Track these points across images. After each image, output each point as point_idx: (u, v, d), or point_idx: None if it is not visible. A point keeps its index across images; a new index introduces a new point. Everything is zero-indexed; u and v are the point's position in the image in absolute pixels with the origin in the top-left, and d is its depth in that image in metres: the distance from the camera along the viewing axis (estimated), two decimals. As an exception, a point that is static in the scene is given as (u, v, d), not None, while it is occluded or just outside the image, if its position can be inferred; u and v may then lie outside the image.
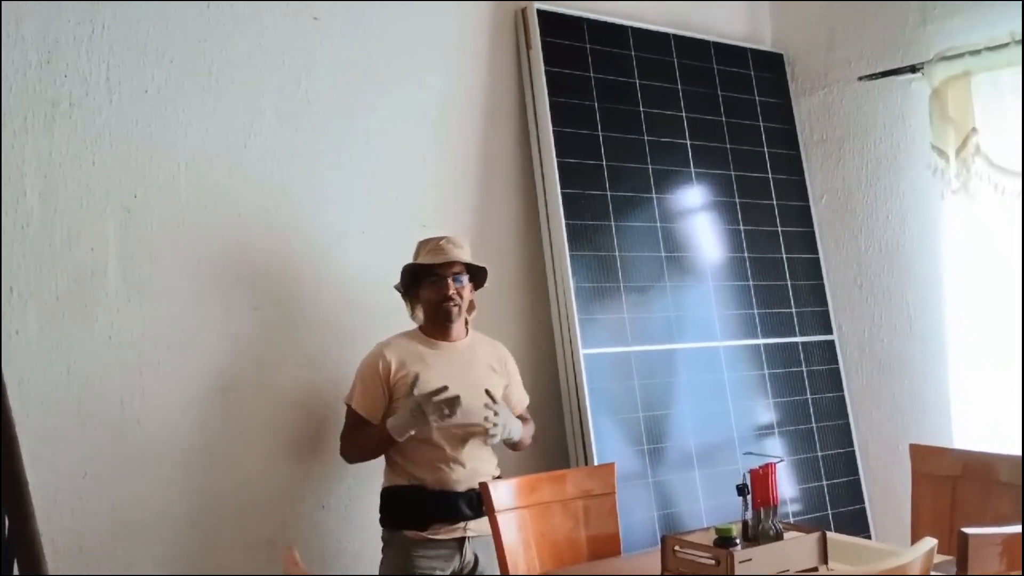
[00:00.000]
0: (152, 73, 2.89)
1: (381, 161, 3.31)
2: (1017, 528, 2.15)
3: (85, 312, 2.76)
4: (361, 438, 2.82)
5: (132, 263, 2.83)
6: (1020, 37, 3.38)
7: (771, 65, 4.27)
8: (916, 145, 3.85)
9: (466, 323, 2.94)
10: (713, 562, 2.27)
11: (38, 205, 2.70)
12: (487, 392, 2.77)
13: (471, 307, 2.95)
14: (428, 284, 2.83)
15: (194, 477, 2.91)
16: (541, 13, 3.62)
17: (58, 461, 2.68)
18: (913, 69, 3.80)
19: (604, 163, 3.67)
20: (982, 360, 3.65)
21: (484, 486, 2.73)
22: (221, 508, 2.95)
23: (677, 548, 2.36)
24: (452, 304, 2.81)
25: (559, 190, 3.52)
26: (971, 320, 3.70)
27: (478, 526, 2.76)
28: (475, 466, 2.80)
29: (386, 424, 2.73)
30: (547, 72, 3.58)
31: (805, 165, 4.22)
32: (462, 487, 2.76)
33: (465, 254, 2.85)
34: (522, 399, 3.05)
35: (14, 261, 2.65)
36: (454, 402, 2.65)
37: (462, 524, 2.77)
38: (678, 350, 3.70)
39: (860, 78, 4.02)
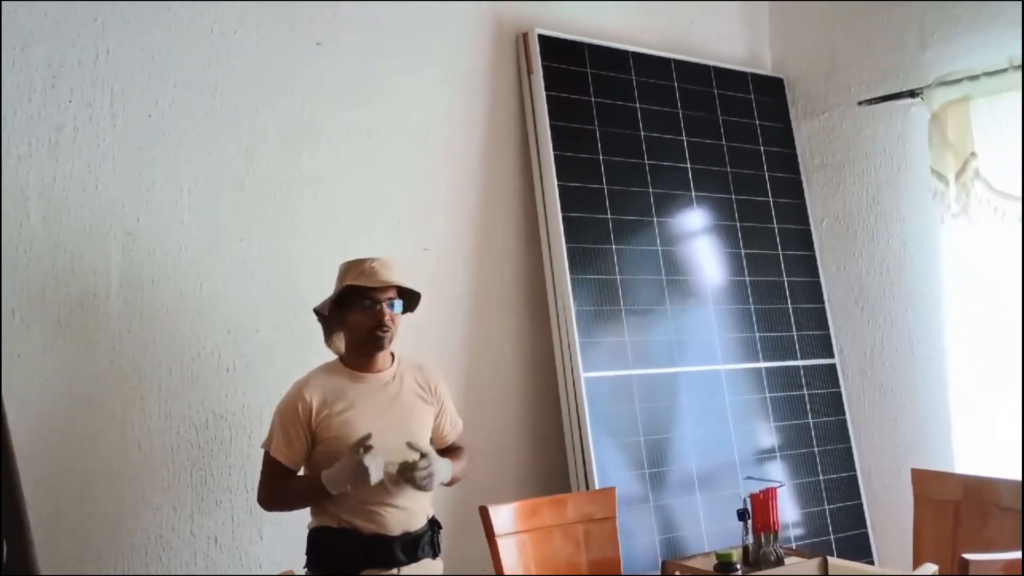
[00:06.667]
0: (156, 98, 2.91)
1: (383, 185, 3.33)
2: (1018, 554, 2.15)
3: (87, 336, 2.77)
4: (287, 491, 2.56)
5: (134, 287, 2.84)
6: (1018, 63, 3.40)
7: (771, 89, 4.29)
8: (916, 169, 3.86)
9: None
10: (714, 587, 2.27)
11: (41, 229, 2.71)
12: (409, 444, 2.49)
13: None
14: (360, 309, 2.53)
15: (195, 502, 2.90)
16: (542, 38, 3.64)
17: (58, 485, 2.68)
18: (912, 94, 3.82)
19: (605, 187, 3.68)
20: (983, 383, 3.65)
21: (484, 510, 2.72)
22: (223, 533, 2.94)
23: (678, 573, 2.36)
24: (385, 331, 2.54)
25: (560, 213, 3.53)
26: (972, 343, 3.70)
27: (411, 572, 2.55)
28: (409, 507, 2.55)
29: (322, 477, 2.46)
30: (548, 96, 3.60)
31: (806, 189, 4.24)
32: (396, 531, 2.52)
33: (400, 278, 2.59)
34: (456, 425, 2.77)
35: (17, 284, 2.66)
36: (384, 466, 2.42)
37: (395, 570, 2.52)
38: (679, 373, 3.70)
39: (860, 102, 4.04)
